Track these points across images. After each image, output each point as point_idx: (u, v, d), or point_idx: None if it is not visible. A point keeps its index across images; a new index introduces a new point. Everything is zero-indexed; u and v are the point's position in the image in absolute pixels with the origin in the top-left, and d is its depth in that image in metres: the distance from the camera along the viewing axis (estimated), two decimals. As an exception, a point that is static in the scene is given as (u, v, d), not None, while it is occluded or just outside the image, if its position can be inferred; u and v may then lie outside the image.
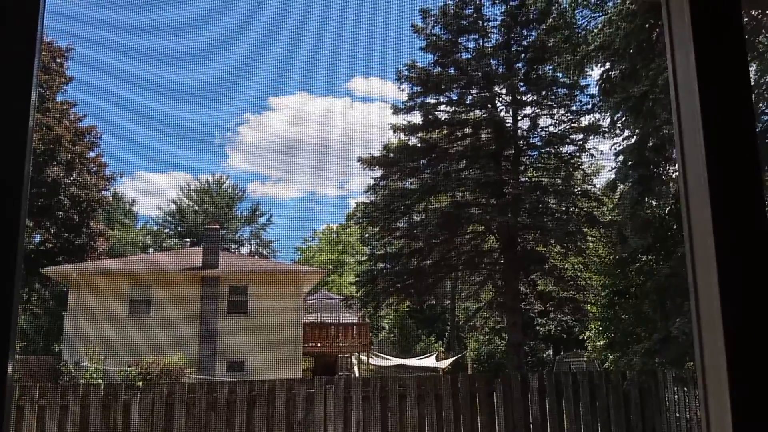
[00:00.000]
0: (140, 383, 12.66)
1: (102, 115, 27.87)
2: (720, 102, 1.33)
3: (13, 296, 1.17)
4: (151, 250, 36.75)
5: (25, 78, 1.29)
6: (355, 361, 28.03)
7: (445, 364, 27.85)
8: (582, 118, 23.73)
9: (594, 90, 22.42)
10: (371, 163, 24.17)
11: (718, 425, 1.26)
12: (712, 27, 1.37)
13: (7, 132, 1.25)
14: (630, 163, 14.90)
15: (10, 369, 1.15)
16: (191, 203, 40.03)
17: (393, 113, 23.85)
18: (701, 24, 1.36)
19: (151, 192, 39.63)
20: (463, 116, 24.27)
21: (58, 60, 26.08)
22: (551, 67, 23.42)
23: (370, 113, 36.20)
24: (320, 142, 32.48)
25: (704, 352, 1.28)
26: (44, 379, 17.09)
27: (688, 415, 11.68)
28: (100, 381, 16.43)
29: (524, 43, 23.87)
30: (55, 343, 23.36)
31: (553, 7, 22.51)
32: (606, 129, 21.90)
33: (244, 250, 40.56)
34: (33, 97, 1.30)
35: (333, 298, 31.37)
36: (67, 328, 21.75)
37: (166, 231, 40.26)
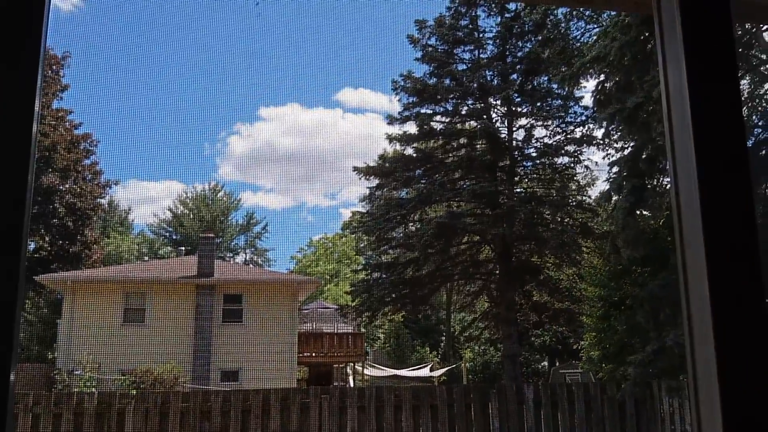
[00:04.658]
0: (134, 392, 12.61)
1: (97, 123, 27.95)
2: (710, 114, 1.35)
3: (17, 304, 1.18)
4: (146, 259, 36.68)
5: (28, 87, 1.30)
6: (350, 371, 27.95)
7: (439, 373, 27.80)
8: (576, 130, 23.85)
9: (588, 101, 22.57)
10: (367, 172, 24.20)
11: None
12: (704, 39, 1.40)
13: (11, 141, 1.26)
14: (624, 174, 14.96)
15: (12, 377, 1.16)
16: (187, 211, 40.02)
17: (388, 123, 23.97)
18: (693, 36, 1.38)
19: (147, 200, 39.64)
20: (459, 127, 24.35)
21: (54, 67, 26.09)
22: (546, 78, 23.54)
23: (362, 124, 36.29)
24: (312, 153, 32.56)
25: (696, 363, 1.30)
26: (38, 387, 16.99)
27: (683, 427, 11.68)
28: (94, 389, 16.35)
29: (519, 54, 23.99)
30: (49, 351, 23.24)
31: (548, 19, 22.67)
32: (600, 140, 22.04)
33: (240, 258, 40.56)
34: (36, 106, 1.31)
35: (328, 308, 31.31)
36: (61, 336, 21.66)
37: (162, 239, 40.22)
